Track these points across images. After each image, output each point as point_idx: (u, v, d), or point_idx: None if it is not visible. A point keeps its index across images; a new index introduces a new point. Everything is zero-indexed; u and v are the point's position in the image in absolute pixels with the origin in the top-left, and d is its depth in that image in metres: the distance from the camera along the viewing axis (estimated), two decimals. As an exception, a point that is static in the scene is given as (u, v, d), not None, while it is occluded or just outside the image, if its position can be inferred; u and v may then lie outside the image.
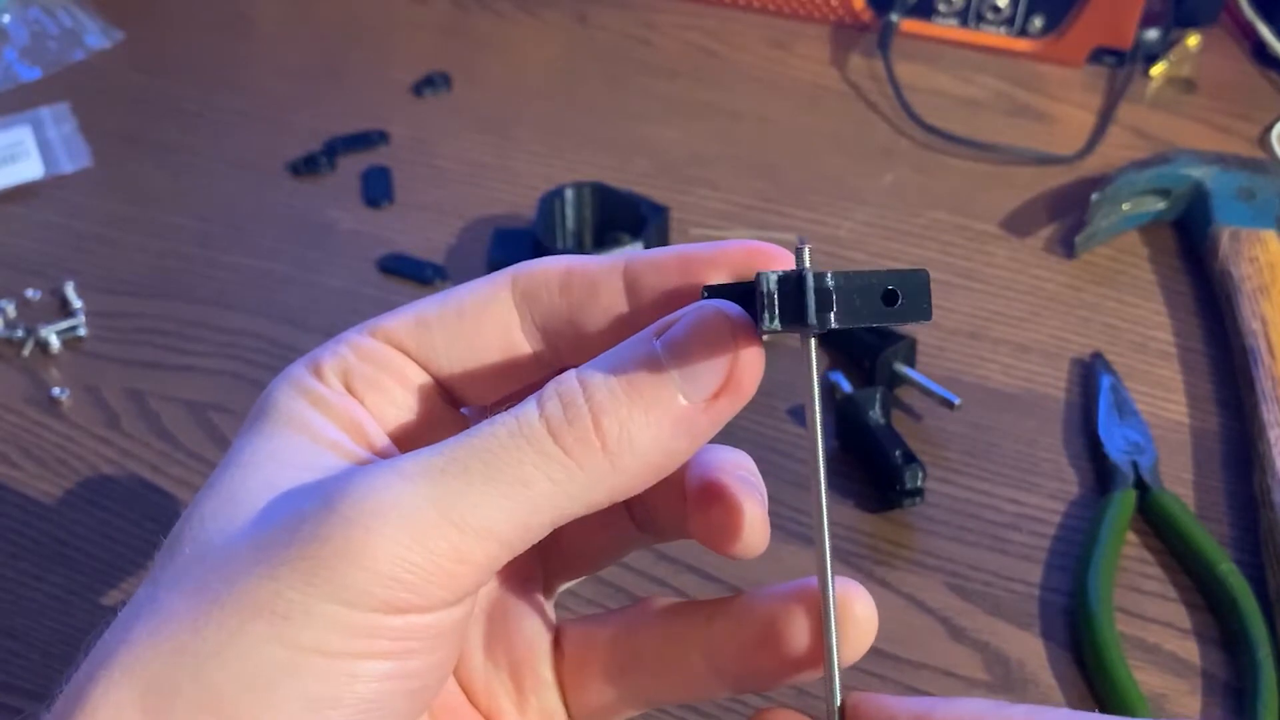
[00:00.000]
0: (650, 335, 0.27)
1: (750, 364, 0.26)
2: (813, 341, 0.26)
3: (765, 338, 0.26)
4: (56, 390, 0.58)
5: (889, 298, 0.25)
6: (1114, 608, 0.48)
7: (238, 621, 0.24)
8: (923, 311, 0.25)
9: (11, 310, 0.62)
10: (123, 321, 0.62)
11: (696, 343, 0.26)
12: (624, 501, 0.30)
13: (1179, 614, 0.49)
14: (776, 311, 0.25)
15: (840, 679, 0.28)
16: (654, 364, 0.26)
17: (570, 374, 0.26)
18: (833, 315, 0.24)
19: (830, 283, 0.24)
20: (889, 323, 0.25)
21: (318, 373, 0.29)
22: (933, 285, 0.25)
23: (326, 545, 0.24)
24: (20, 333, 0.60)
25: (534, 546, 0.27)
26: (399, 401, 0.30)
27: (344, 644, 0.24)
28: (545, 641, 0.33)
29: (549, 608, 0.34)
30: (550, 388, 0.26)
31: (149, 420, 0.57)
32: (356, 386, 0.29)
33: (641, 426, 0.26)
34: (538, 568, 0.34)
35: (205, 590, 0.25)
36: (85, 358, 0.60)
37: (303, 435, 0.28)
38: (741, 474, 0.30)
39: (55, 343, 0.60)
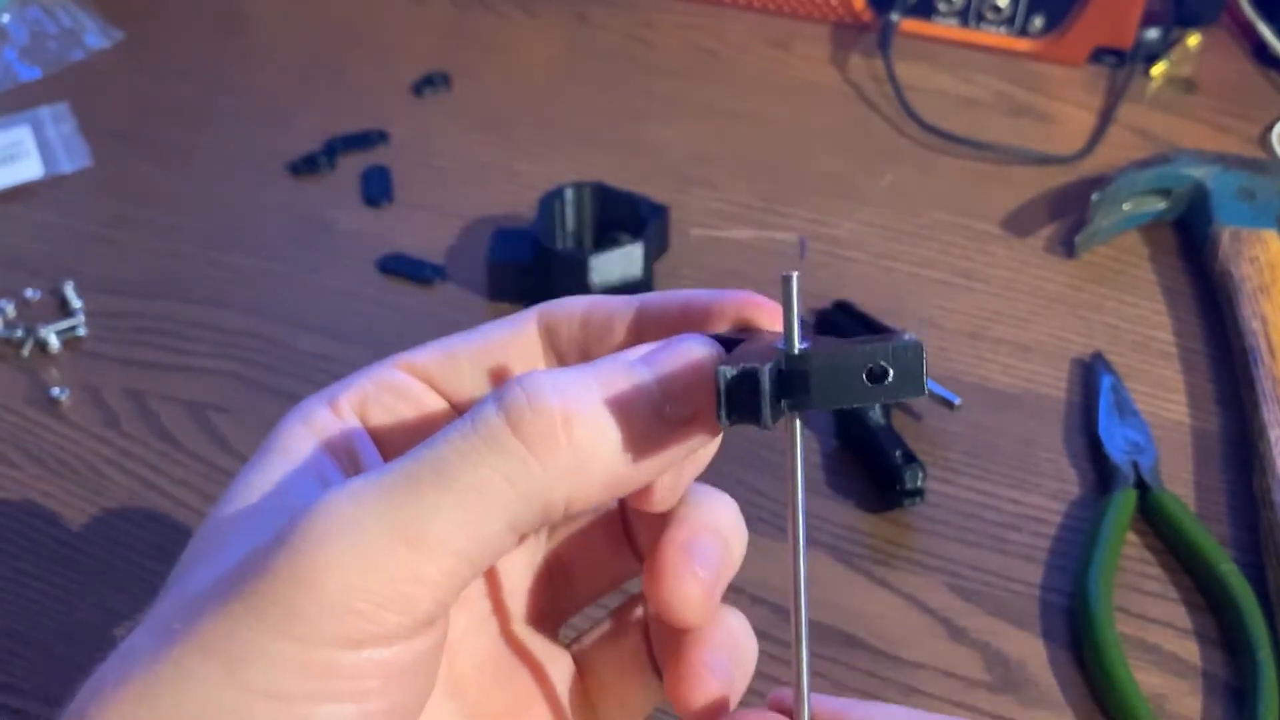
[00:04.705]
0: (630, 354, 0.26)
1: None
2: (797, 424, 0.24)
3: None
4: (56, 390, 0.58)
5: (876, 374, 0.22)
6: (1114, 608, 0.48)
7: (192, 664, 0.23)
8: (915, 387, 0.22)
9: (11, 310, 0.62)
10: (122, 321, 0.62)
11: (679, 368, 0.25)
12: (626, 536, 0.32)
13: (1179, 614, 0.49)
14: (728, 411, 0.23)
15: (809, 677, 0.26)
16: (634, 375, 0.25)
17: (535, 370, 0.25)
18: (809, 399, 0.22)
19: (803, 365, 0.22)
20: (875, 402, 0.22)
21: (333, 406, 0.29)
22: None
23: (275, 578, 0.23)
24: (20, 333, 0.60)
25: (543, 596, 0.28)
26: (410, 426, 0.29)
27: (297, 685, 0.23)
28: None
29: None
30: (511, 381, 0.25)
31: (149, 420, 0.57)
32: (370, 413, 0.29)
33: (612, 431, 0.24)
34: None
35: (168, 631, 0.24)
36: (85, 358, 0.60)
37: (294, 465, 0.27)
38: (699, 544, 0.28)
39: (55, 343, 0.60)
